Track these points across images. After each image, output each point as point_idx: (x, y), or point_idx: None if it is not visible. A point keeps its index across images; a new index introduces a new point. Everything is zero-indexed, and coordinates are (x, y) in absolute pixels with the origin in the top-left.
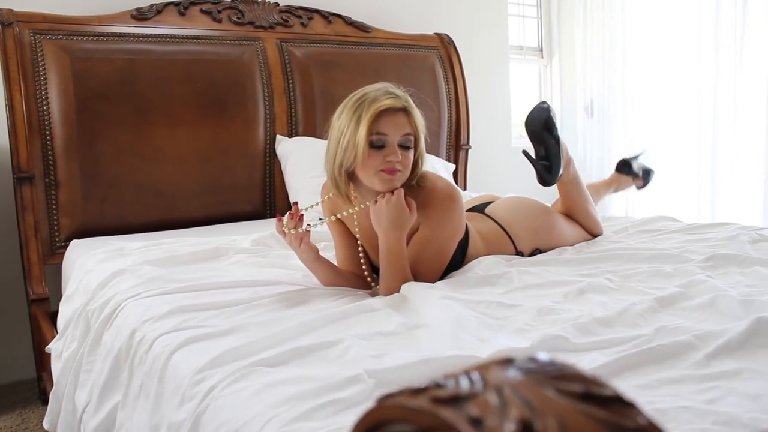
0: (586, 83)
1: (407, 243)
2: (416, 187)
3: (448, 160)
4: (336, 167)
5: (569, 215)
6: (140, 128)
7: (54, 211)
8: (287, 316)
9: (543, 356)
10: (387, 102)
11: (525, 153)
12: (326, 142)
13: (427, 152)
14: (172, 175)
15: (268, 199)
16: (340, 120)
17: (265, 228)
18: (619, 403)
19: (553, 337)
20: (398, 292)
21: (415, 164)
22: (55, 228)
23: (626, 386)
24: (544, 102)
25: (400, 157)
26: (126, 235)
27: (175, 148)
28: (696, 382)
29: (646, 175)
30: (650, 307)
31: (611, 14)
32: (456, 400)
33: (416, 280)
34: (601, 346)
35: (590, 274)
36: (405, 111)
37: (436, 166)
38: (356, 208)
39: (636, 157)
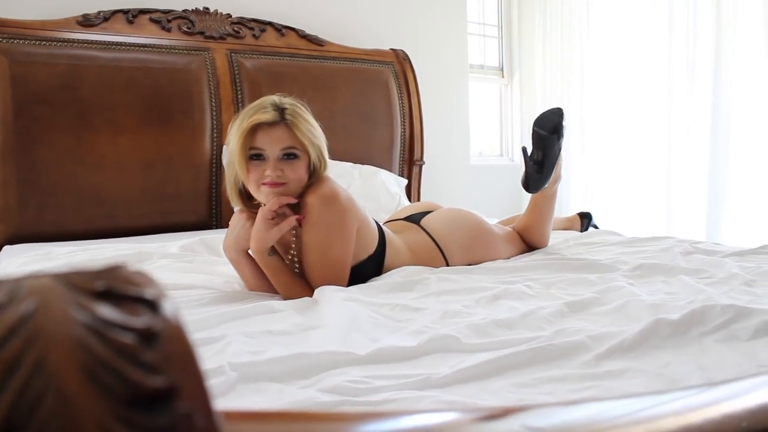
0: (546, 103)
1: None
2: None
3: (401, 175)
4: (229, 182)
5: (524, 231)
6: (81, 134)
7: None
8: (188, 314)
9: (120, 265)
10: (256, 117)
11: (524, 150)
12: None
13: (379, 167)
14: (113, 182)
15: (215, 210)
16: (229, 135)
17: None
18: (142, 304)
19: (442, 337)
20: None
21: (313, 173)
22: None
23: (502, 384)
24: (558, 108)
25: (283, 170)
26: (62, 242)
27: (118, 155)
28: (577, 381)
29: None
30: (558, 311)
31: (569, 34)
32: None
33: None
34: (492, 347)
35: (512, 281)
36: (285, 124)
37: (387, 181)
38: None
39: (595, 226)
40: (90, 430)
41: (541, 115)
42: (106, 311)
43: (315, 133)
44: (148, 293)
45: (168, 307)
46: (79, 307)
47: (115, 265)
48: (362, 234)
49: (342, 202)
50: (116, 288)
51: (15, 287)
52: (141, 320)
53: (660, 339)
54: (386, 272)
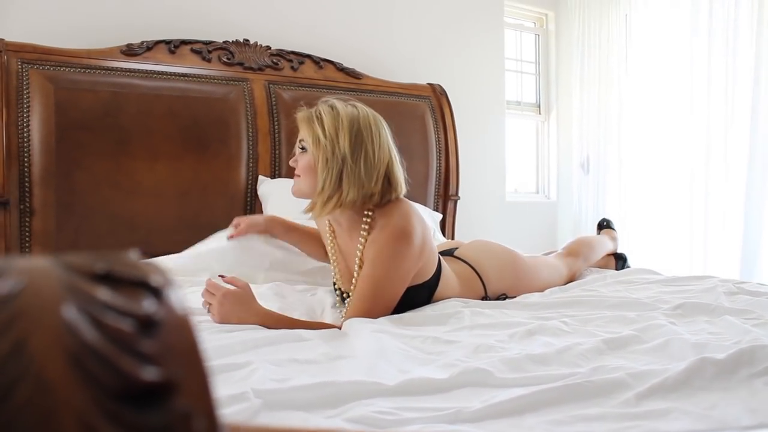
0: (583, 139)
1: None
2: (373, 216)
3: (436, 210)
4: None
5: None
6: (119, 160)
7: (27, 239)
8: (212, 339)
9: (129, 256)
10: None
11: None
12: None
13: (414, 201)
14: (148, 209)
15: None
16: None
17: None
18: (145, 290)
19: (474, 370)
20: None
21: (323, 187)
22: (27, 255)
23: (537, 421)
24: None
25: (297, 162)
26: None
27: (154, 182)
28: (616, 420)
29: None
30: (596, 347)
31: (608, 72)
32: None
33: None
34: (527, 383)
35: (548, 317)
36: (306, 120)
37: (422, 215)
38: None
39: (625, 260)
40: (68, 424)
41: None
42: (103, 294)
43: (324, 133)
44: (153, 279)
45: (173, 296)
46: (74, 288)
47: (120, 251)
48: (426, 263)
49: (414, 245)
50: (118, 271)
51: (3, 266)
52: (141, 306)
53: (705, 379)
54: (434, 301)
